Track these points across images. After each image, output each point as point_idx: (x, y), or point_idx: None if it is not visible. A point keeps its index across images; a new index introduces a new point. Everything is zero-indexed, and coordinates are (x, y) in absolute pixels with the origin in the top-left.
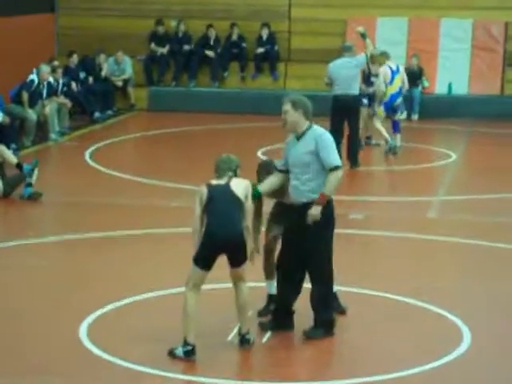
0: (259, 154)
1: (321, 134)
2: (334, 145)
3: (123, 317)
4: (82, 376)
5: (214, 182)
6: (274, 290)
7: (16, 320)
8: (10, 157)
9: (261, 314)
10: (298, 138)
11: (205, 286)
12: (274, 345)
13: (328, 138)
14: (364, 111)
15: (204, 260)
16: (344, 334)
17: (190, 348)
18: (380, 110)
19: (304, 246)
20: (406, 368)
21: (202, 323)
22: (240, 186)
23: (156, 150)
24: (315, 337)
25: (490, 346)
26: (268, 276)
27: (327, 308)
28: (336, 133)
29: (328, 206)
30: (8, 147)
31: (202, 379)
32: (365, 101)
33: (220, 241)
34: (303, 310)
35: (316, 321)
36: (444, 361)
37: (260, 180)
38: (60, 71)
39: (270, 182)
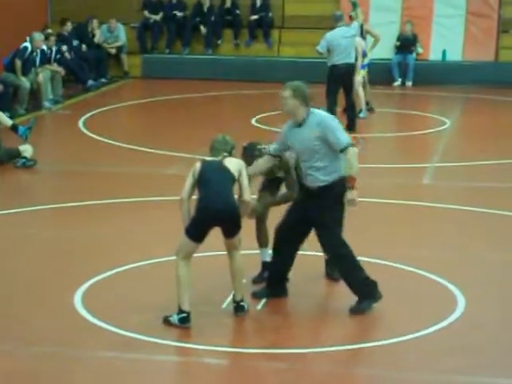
0: (253, 121)
1: (323, 118)
2: (339, 125)
3: (118, 285)
4: (76, 343)
5: (209, 158)
6: (267, 258)
7: (9, 288)
8: (5, 119)
9: (255, 281)
10: (300, 124)
11: (201, 254)
12: (269, 312)
13: (331, 120)
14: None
15: (197, 232)
16: (338, 301)
17: (184, 315)
18: (363, 72)
19: (314, 223)
20: (399, 335)
21: (196, 291)
22: (233, 163)
23: (150, 118)
24: (361, 310)
25: (483, 313)
26: (261, 244)
27: (356, 279)
28: (333, 101)
29: (340, 184)
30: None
31: (196, 346)
32: None
33: (214, 213)
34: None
35: (356, 294)
36: (437, 327)
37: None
38: (53, 39)
39: (259, 165)
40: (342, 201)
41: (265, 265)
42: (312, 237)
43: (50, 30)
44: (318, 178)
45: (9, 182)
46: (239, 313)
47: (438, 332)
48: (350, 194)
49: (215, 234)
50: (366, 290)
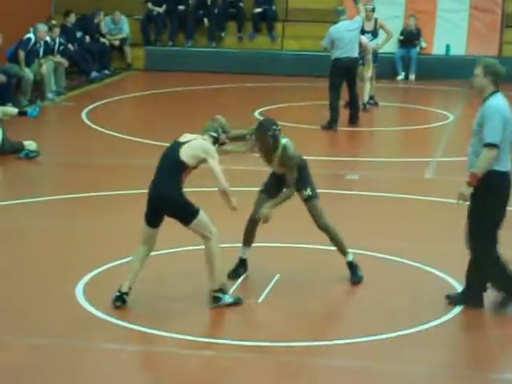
0: (256, 114)
1: (492, 105)
2: (497, 120)
3: (120, 276)
4: (78, 335)
5: (180, 138)
6: (246, 255)
7: (10, 280)
8: (10, 110)
9: (229, 276)
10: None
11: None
12: (269, 305)
13: (495, 111)
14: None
15: (146, 216)
16: (340, 294)
17: (117, 294)
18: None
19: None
20: (399, 329)
21: (197, 283)
22: (191, 147)
23: (153, 110)
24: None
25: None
26: (245, 243)
27: (477, 275)
28: (336, 95)
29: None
30: (4, 106)
31: (197, 339)
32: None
33: (149, 199)
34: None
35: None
36: (437, 321)
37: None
38: (57, 30)
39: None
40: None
41: (242, 262)
42: (315, 231)
43: (53, 22)
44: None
45: (11, 172)
46: (212, 304)
47: (438, 326)
48: (463, 188)
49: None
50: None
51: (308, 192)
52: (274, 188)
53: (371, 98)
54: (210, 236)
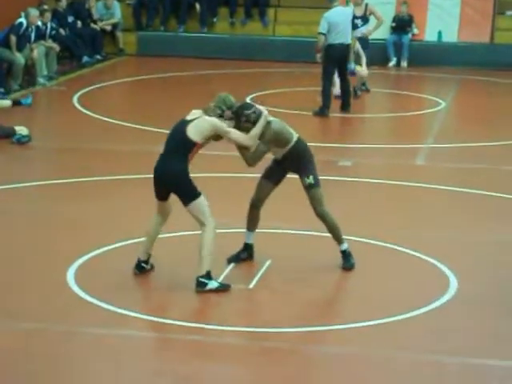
0: (248, 100)
1: None
2: None
3: (111, 261)
4: (69, 320)
5: (188, 116)
6: (250, 240)
7: (0, 265)
8: (3, 102)
9: (229, 260)
10: None
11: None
12: (260, 290)
13: None
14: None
15: (154, 191)
16: (332, 280)
17: (136, 262)
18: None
19: None
20: (390, 315)
21: (192, 267)
22: (199, 124)
23: (144, 95)
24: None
25: (475, 294)
26: (249, 228)
27: None
28: (329, 82)
29: None
30: None
31: (188, 324)
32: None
33: (155, 176)
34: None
35: None
36: (428, 308)
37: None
38: (48, 15)
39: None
40: None
41: (246, 247)
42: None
43: (45, 6)
44: None
45: (1, 157)
46: (197, 288)
47: (429, 313)
48: None
49: (227, 213)
50: None
51: (310, 180)
52: (275, 174)
53: (363, 84)
54: (207, 224)
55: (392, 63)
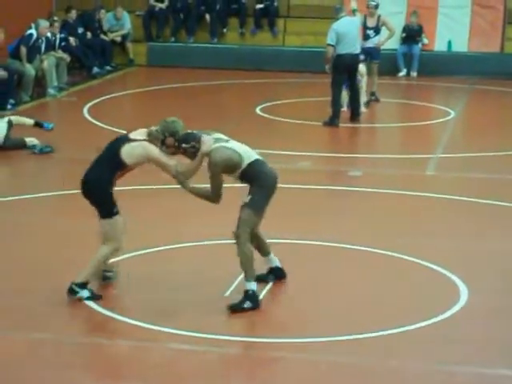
0: (257, 110)
1: None
2: None
3: (120, 272)
4: (77, 330)
5: (132, 134)
6: (271, 264)
7: (6, 275)
8: (25, 120)
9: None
10: None
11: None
12: (269, 301)
13: None
14: (363, 67)
15: None
16: (340, 290)
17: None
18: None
19: None
20: (400, 325)
21: (200, 278)
22: (134, 149)
23: (154, 106)
24: None
25: (486, 304)
26: (262, 254)
27: None
28: (338, 92)
29: None
30: (6, 102)
31: (191, 334)
32: (361, 56)
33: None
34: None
35: None
36: (439, 318)
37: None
38: (57, 25)
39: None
40: None
41: (271, 271)
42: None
43: (55, 18)
44: None
45: (12, 169)
46: (68, 295)
47: (440, 323)
48: None
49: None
50: None
51: (247, 199)
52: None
53: (372, 94)
54: (109, 244)
55: (402, 73)
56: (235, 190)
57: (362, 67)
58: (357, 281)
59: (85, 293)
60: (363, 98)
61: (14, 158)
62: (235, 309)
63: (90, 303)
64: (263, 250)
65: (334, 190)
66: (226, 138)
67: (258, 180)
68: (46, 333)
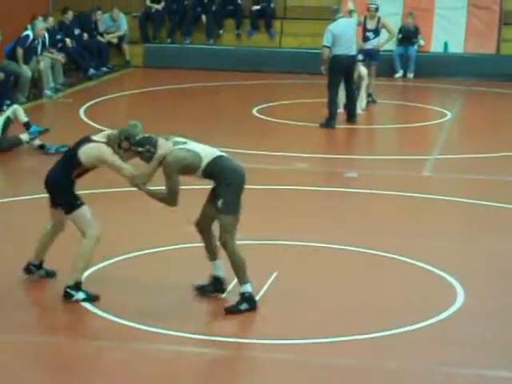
0: (254, 111)
1: None
2: None
3: (115, 274)
4: (73, 332)
5: (95, 136)
6: (217, 272)
7: (5, 277)
8: (21, 116)
9: (197, 289)
10: None
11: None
12: (265, 303)
13: None
14: (364, 69)
15: None
16: (339, 292)
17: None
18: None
19: None
20: (397, 326)
21: (201, 279)
22: (91, 151)
23: (150, 107)
24: None
25: (482, 305)
26: (209, 257)
27: None
28: (334, 93)
29: None
30: (2, 103)
31: (193, 336)
32: (360, 57)
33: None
34: None
35: None
36: (435, 319)
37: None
38: (51, 20)
39: None
40: None
41: (212, 281)
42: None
43: (50, 18)
44: None
45: (5, 170)
46: (63, 298)
47: (437, 324)
48: None
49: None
50: None
51: (219, 204)
52: (211, 194)
53: (369, 95)
54: (88, 234)
55: (398, 74)
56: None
57: (363, 69)
58: (353, 282)
59: (80, 295)
60: (363, 100)
61: (7, 158)
62: (232, 311)
63: (91, 307)
64: (211, 254)
65: (330, 191)
66: (183, 140)
67: (224, 176)
68: (43, 335)
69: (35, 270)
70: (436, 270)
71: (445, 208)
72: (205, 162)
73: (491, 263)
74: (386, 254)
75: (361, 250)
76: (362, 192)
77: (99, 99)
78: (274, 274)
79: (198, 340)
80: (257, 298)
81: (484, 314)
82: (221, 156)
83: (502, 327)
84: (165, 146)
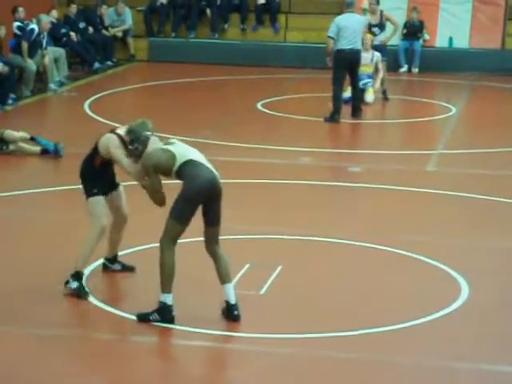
0: (259, 106)
1: None
2: None
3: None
4: (80, 326)
5: (118, 129)
6: (228, 297)
7: (10, 272)
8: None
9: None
10: None
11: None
12: (271, 296)
13: None
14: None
15: None
16: (343, 287)
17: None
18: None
19: None
20: (401, 321)
21: (203, 275)
22: (105, 142)
23: (155, 101)
24: None
25: (487, 300)
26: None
27: None
28: (339, 86)
29: None
30: (7, 97)
31: (197, 330)
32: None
33: None
34: None
35: None
36: (440, 314)
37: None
38: (54, 13)
39: None
40: None
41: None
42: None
43: (54, 11)
44: None
45: (9, 165)
46: (64, 285)
47: (441, 319)
48: None
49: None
50: None
51: (171, 208)
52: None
53: (384, 92)
54: (92, 225)
55: (403, 69)
56: (243, 185)
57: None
58: (357, 276)
59: (74, 284)
60: (371, 95)
61: (14, 152)
62: (142, 318)
63: (95, 300)
64: (219, 278)
65: (334, 186)
66: (172, 141)
67: (185, 180)
68: (47, 328)
69: (110, 264)
70: (440, 265)
71: (449, 203)
72: (177, 164)
73: (496, 258)
74: (390, 249)
75: (365, 244)
76: (366, 186)
77: (104, 93)
78: (279, 268)
79: (203, 334)
80: (261, 292)
81: (489, 309)
82: (190, 160)
83: (506, 322)
84: (152, 146)
